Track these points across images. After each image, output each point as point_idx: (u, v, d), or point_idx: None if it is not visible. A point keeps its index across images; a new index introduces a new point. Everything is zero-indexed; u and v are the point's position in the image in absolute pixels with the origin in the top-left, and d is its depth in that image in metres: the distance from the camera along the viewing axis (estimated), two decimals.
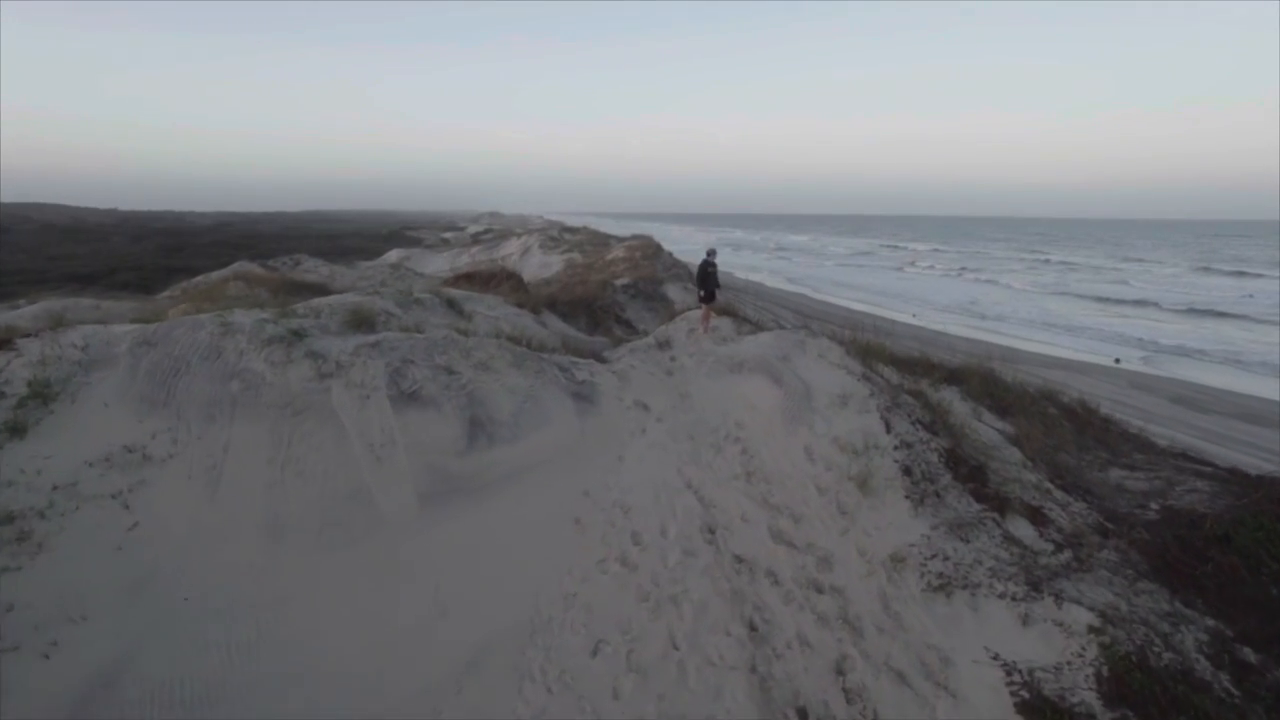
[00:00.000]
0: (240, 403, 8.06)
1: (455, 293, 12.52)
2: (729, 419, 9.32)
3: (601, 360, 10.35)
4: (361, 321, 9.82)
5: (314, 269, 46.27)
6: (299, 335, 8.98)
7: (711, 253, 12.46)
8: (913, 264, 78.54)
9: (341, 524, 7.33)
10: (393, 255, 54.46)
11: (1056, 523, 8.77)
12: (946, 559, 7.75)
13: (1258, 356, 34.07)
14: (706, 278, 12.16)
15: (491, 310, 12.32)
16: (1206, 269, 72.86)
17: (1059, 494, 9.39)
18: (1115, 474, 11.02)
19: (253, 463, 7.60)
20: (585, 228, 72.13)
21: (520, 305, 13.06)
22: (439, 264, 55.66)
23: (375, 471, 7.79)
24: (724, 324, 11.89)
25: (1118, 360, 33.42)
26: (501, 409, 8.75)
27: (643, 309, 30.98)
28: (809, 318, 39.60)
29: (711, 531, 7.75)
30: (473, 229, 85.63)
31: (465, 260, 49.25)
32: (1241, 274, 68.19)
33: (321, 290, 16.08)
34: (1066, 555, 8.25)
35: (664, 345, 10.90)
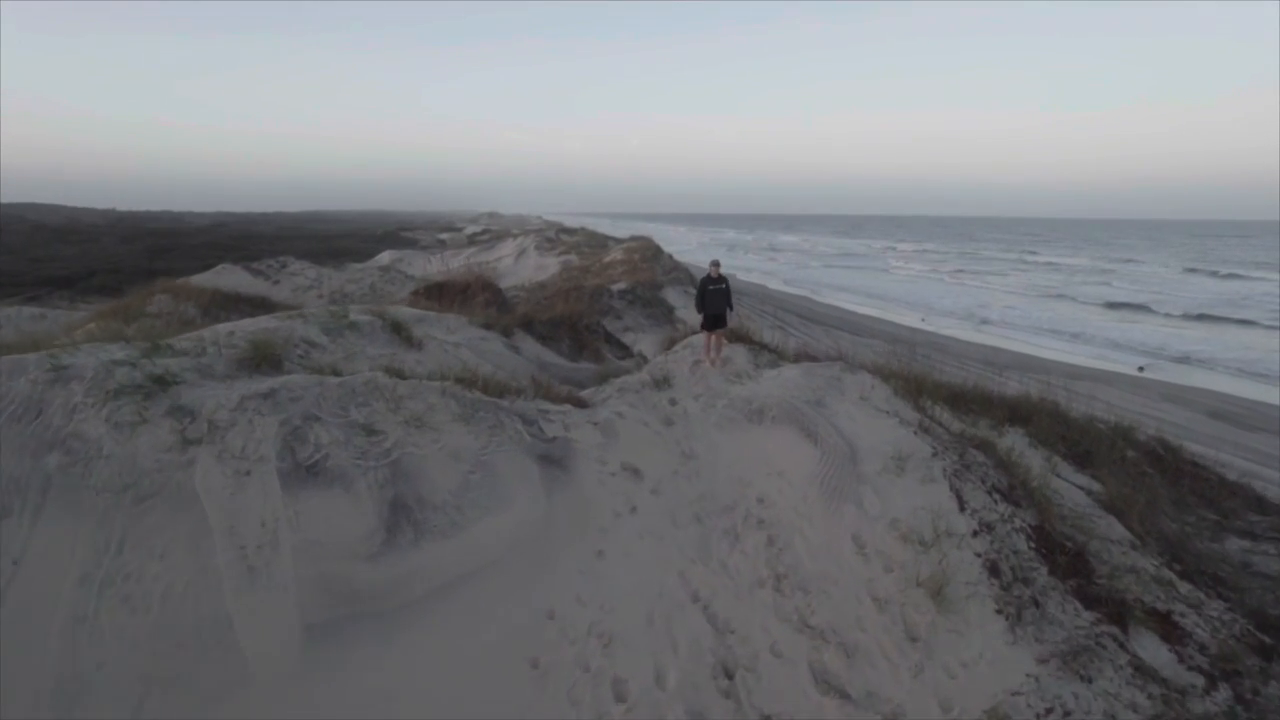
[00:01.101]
0: (57, 485, 5.49)
1: (407, 313, 9.91)
2: (748, 492, 6.77)
3: (580, 405, 7.80)
4: (264, 358, 7.22)
5: (300, 271, 43.55)
6: (163, 383, 6.39)
7: (715, 265, 9.98)
8: (893, 266, 75.93)
9: (180, 682, 4.76)
10: (384, 257, 51.82)
11: (1195, 636, 6.28)
12: (1067, 715, 5.25)
13: (1277, 366, 31.55)
14: (709, 298, 9.63)
15: (451, 334, 9.69)
16: (1211, 272, 70.27)
17: (1184, 587, 6.90)
18: (1234, 545, 8.51)
19: (56, 583, 5.03)
20: (583, 229, 69.43)
21: (489, 326, 10.46)
22: (436, 265, 53.04)
23: (244, 590, 5.23)
24: (738, 353, 9.30)
25: (1141, 369, 30.97)
26: (438, 485, 6.19)
27: (640, 315, 28.37)
28: (814, 322, 37.05)
29: (729, 675, 5.23)
30: (470, 230, 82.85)
31: (437, 269, 46.57)
32: (1234, 276, 65.60)
33: (264, 305, 13.46)
34: (1224, 694, 5.75)
35: (661, 383, 8.36)
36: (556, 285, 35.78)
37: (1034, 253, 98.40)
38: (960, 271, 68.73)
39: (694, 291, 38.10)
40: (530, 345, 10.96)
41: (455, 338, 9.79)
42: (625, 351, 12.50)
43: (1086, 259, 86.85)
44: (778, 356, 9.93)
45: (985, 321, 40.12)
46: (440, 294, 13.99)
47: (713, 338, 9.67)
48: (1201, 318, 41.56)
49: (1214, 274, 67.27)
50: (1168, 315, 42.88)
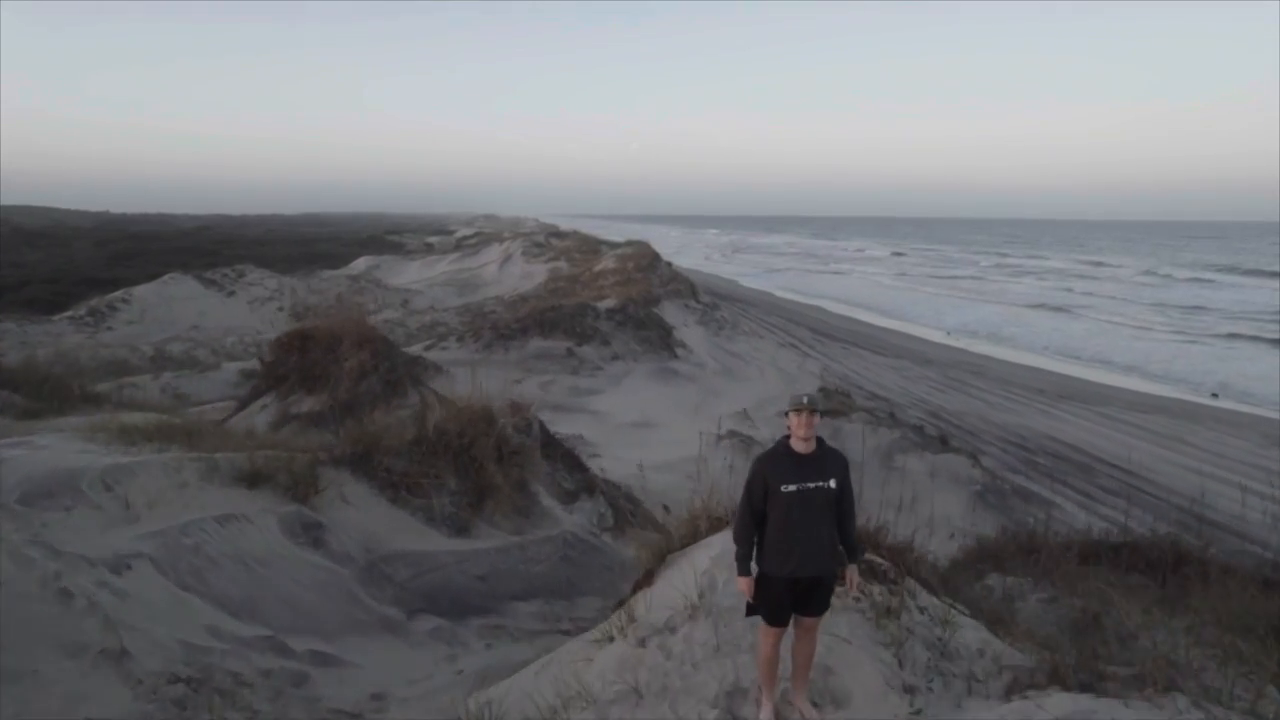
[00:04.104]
0: None
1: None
2: None
3: None
4: None
5: (260, 281, 37.19)
6: None
7: (804, 412, 3.05)
8: (853, 270, 69.22)
9: None
10: (360, 264, 45.48)
11: None
12: None
13: None
14: (789, 514, 3.01)
15: (115, 532, 3.62)
16: (1166, 275, 63.79)
17: None
18: None
19: None
20: (576, 232, 63.07)
21: (258, 478, 4.28)
22: (413, 273, 46.75)
23: None
24: (857, 655, 3.26)
25: (1215, 395, 24.99)
26: None
27: (631, 339, 22.22)
28: (830, 338, 30.85)
29: None
30: (462, 232, 76.27)
31: (415, 277, 40.25)
32: (1199, 280, 59.19)
33: None
34: None
35: None
36: (538, 298, 29.62)
37: (1005, 254, 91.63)
38: (952, 278, 62.21)
39: (697, 307, 31.10)
40: (360, 511, 4.54)
41: (129, 537, 3.52)
42: (582, 477, 6.12)
43: (1089, 265, 79.53)
44: (940, 623, 3.48)
45: (994, 335, 33.86)
46: (303, 350, 7.90)
47: (784, 630, 3.11)
48: (1241, 336, 34.88)
49: (1171, 278, 60.84)
50: (1185, 331, 36.16)
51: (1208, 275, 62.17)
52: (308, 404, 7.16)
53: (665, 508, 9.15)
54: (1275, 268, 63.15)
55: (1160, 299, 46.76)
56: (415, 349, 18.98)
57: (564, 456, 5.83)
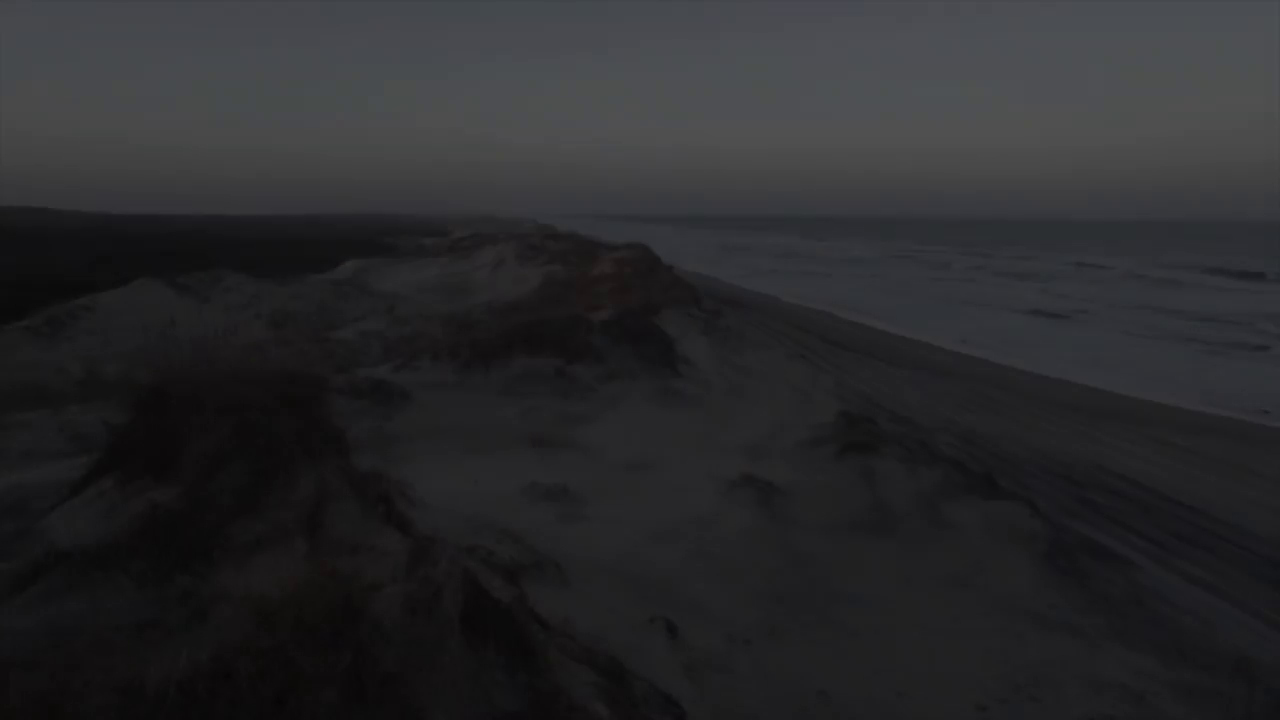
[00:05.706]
0: None
1: None
2: None
3: None
4: None
5: (237, 287, 34.40)
6: None
7: None
8: (838, 271, 66.49)
9: None
10: (348, 267, 42.74)
11: None
12: None
13: None
14: None
15: None
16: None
17: None
18: None
19: None
20: (573, 234, 60.28)
21: None
22: (403, 276, 44.00)
23: None
24: None
25: (1267, 412, 22.51)
26: None
27: (629, 355, 19.52)
28: (840, 347, 28.22)
29: None
30: (458, 234, 73.44)
31: (404, 280, 37.40)
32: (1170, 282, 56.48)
33: None
34: None
35: None
36: (530, 307, 26.94)
37: (1003, 255, 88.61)
38: (934, 280, 59.13)
39: (700, 315, 28.37)
40: None
41: None
42: (527, 682, 3.47)
43: (1062, 264, 75.88)
44: None
45: (1005, 344, 31.11)
46: (160, 413, 5.35)
47: None
48: (1255, 347, 31.92)
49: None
50: (1204, 339, 33.27)
51: (1215, 280, 59.39)
52: (140, 504, 4.49)
53: (670, 627, 6.36)
54: None
55: (1169, 304, 44.08)
56: (382, 370, 16.29)
57: (501, 633, 3.20)
